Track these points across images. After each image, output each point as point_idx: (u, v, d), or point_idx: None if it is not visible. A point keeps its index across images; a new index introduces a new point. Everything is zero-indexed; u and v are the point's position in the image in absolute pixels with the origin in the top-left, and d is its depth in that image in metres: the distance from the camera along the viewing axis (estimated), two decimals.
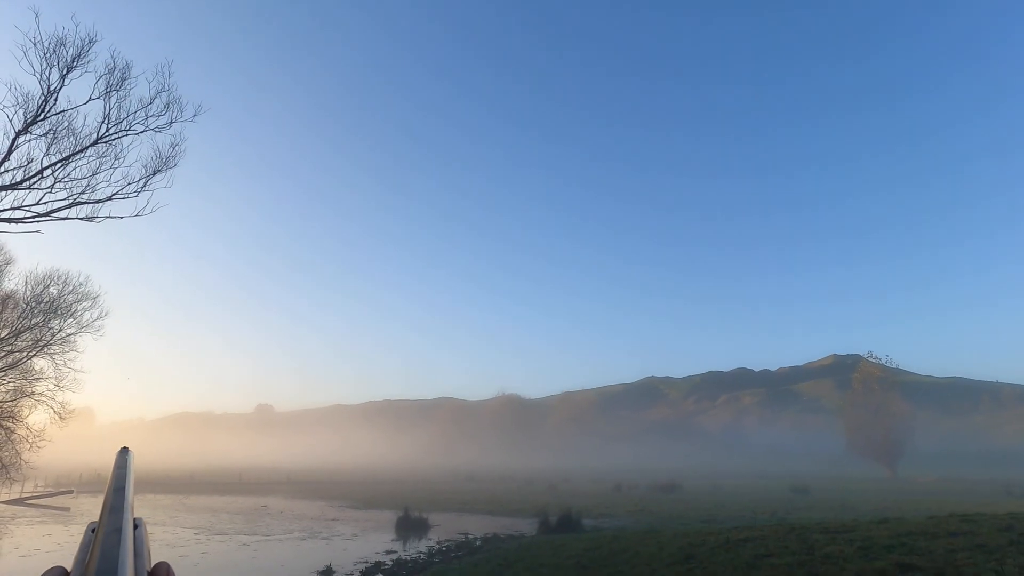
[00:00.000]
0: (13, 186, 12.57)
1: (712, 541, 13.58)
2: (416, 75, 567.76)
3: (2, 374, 31.26)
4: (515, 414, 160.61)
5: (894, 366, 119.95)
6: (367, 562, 16.00)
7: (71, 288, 32.26)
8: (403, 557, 16.97)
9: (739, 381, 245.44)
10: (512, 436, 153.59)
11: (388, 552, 18.07)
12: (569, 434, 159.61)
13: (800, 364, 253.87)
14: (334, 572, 14.37)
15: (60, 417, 32.38)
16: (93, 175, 13.32)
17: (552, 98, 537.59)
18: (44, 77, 11.90)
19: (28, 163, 12.35)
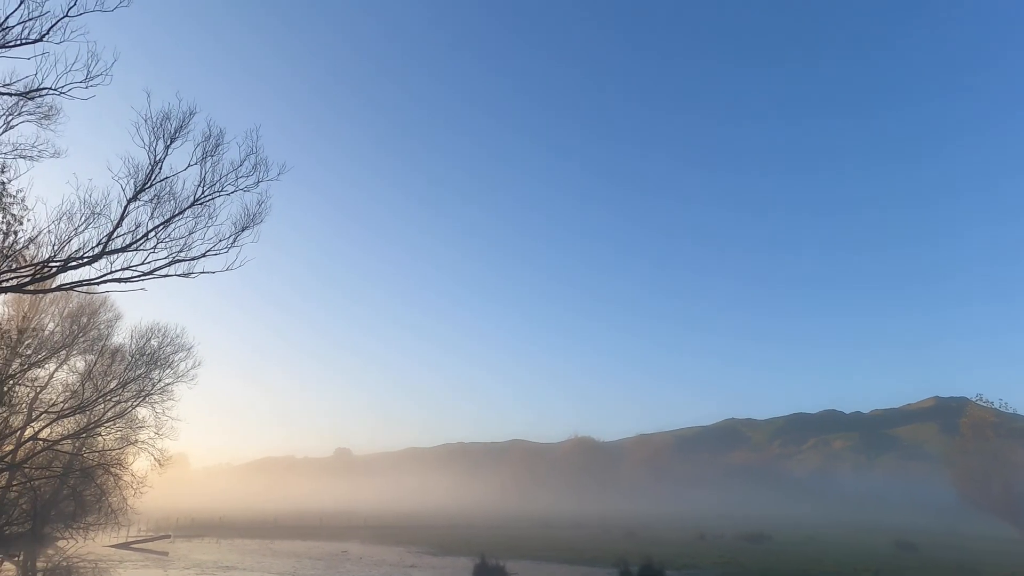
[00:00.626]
0: (124, 249, 13.76)
1: None
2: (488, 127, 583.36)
3: (111, 423, 33.92)
4: (588, 457, 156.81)
5: (1010, 410, 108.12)
6: None
7: (169, 340, 35.06)
8: None
9: (828, 424, 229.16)
10: (585, 480, 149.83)
11: None
12: (644, 478, 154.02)
13: (897, 406, 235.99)
14: None
15: (159, 464, 34.68)
16: (190, 234, 14.42)
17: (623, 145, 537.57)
18: (151, 149, 13.14)
19: (136, 227, 13.53)
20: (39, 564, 30.01)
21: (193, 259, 14.53)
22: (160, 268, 14.18)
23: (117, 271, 13.73)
